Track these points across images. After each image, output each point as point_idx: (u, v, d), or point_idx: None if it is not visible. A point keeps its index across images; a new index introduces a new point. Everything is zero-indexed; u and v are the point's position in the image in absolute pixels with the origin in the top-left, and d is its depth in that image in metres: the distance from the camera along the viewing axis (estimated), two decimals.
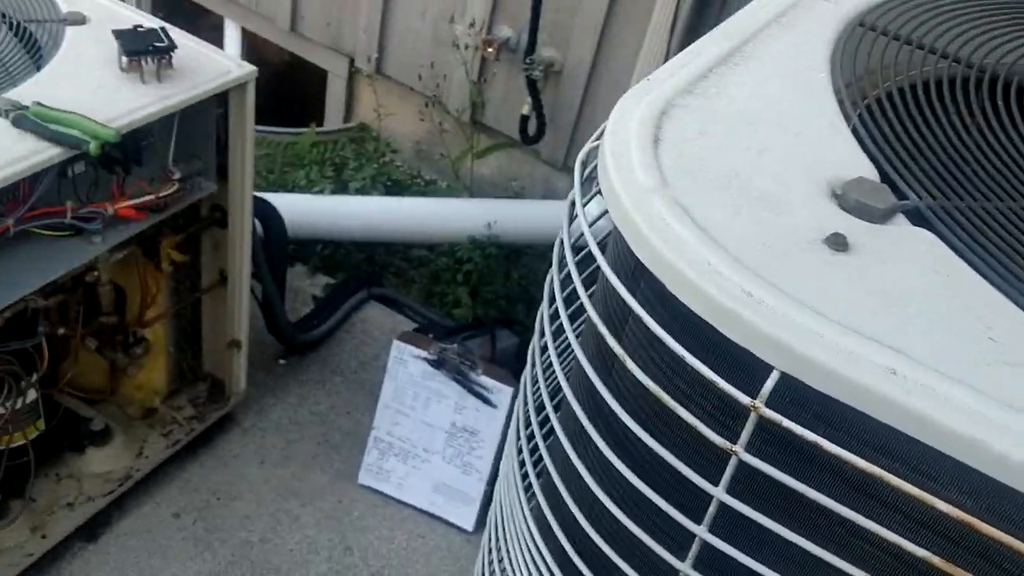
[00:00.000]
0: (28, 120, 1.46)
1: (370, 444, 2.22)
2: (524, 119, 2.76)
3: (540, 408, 1.09)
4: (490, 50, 2.76)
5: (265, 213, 2.30)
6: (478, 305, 2.68)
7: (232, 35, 3.61)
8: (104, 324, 1.90)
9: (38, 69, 1.64)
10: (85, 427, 2.03)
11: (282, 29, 3.42)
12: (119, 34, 1.63)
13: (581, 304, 0.97)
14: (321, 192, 2.92)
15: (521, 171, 3.04)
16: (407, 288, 2.91)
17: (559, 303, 1.00)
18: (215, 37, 3.58)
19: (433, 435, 2.18)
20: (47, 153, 1.45)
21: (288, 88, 3.57)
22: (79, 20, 1.76)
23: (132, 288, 1.92)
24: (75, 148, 1.46)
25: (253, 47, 3.60)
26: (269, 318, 2.36)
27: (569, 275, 0.97)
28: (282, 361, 2.50)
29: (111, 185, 1.67)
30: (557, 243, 1.01)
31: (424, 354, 2.16)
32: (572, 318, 1.00)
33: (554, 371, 1.02)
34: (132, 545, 2.02)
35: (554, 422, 1.05)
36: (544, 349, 1.07)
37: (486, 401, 2.12)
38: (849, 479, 0.77)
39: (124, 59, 1.61)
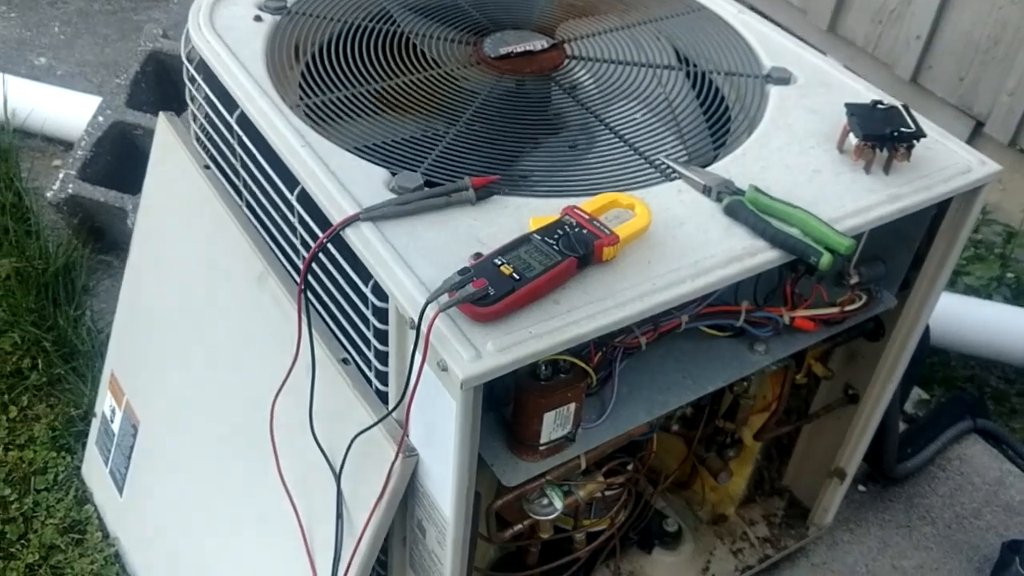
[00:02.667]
0: (744, 210, 1.18)
1: None
2: None
3: None
4: None
5: None
6: None
7: None
8: (721, 429, 1.61)
9: (724, 136, 1.38)
10: (658, 525, 1.78)
11: (901, 78, 2.97)
12: (854, 110, 1.30)
13: None
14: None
15: None
16: (1008, 418, 2.37)
17: None
18: None
19: None
20: (762, 256, 1.16)
21: None
22: (784, 79, 1.46)
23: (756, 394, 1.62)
24: (800, 257, 1.15)
25: None
26: (875, 440, 1.95)
27: None
28: (862, 488, 2.09)
29: (783, 286, 1.36)
30: None
31: None
32: None
33: None
34: None
35: None
36: None
37: None
38: None
39: (854, 141, 1.28)
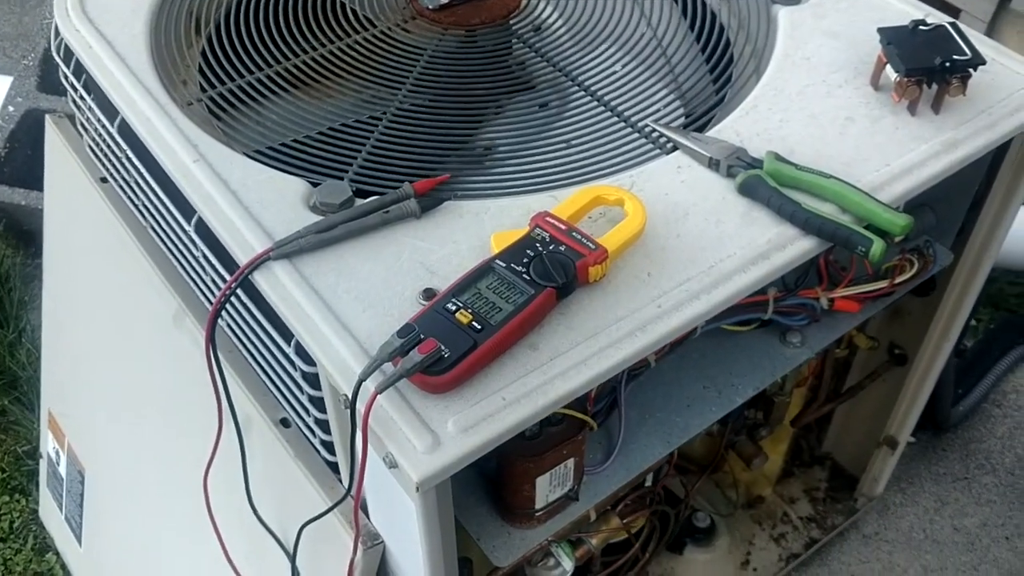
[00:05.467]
0: (764, 187, 0.91)
1: None
2: None
3: None
4: None
5: None
6: None
7: None
8: (749, 421, 1.37)
9: (728, 82, 1.10)
10: (687, 521, 1.56)
11: None
12: (890, 36, 1.02)
13: None
14: None
15: None
16: None
17: None
18: None
19: None
20: (794, 248, 0.90)
21: None
22: None
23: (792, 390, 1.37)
24: (843, 246, 0.90)
25: None
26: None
27: None
28: (911, 439, 1.85)
29: (815, 261, 1.10)
30: None
31: None
32: None
33: None
34: None
35: None
36: None
37: None
38: None
39: (893, 75, 1.01)
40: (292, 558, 0.98)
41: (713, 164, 0.96)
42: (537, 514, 0.94)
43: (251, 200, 0.94)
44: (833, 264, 1.12)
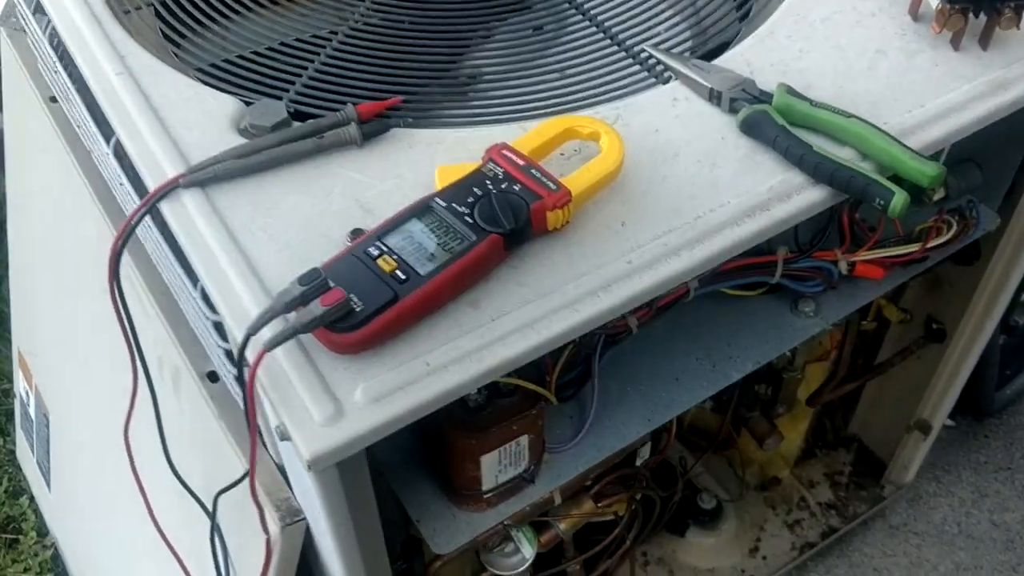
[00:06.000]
0: (771, 126, 0.77)
1: None
2: None
3: None
4: None
5: None
6: None
7: None
8: (758, 396, 1.23)
9: (745, 5, 0.95)
10: (692, 500, 1.42)
11: None
12: None
13: None
14: None
15: None
16: None
17: None
18: None
19: None
20: (800, 199, 0.76)
21: None
22: None
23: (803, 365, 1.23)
24: (859, 198, 0.75)
25: None
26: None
27: None
28: (950, 423, 1.69)
29: (836, 217, 0.95)
30: None
31: None
32: None
33: None
34: None
35: None
36: None
37: None
38: None
39: (935, 2, 0.85)
40: (212, 525, 0.87)
41: (714, 97, 0.81)
42: (486, 496, 0.81)
43: (174, 120, 0.81)
44: (859, 224, 0.97)
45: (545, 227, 0.70)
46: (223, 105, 0.82)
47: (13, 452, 1.70)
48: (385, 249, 0.66)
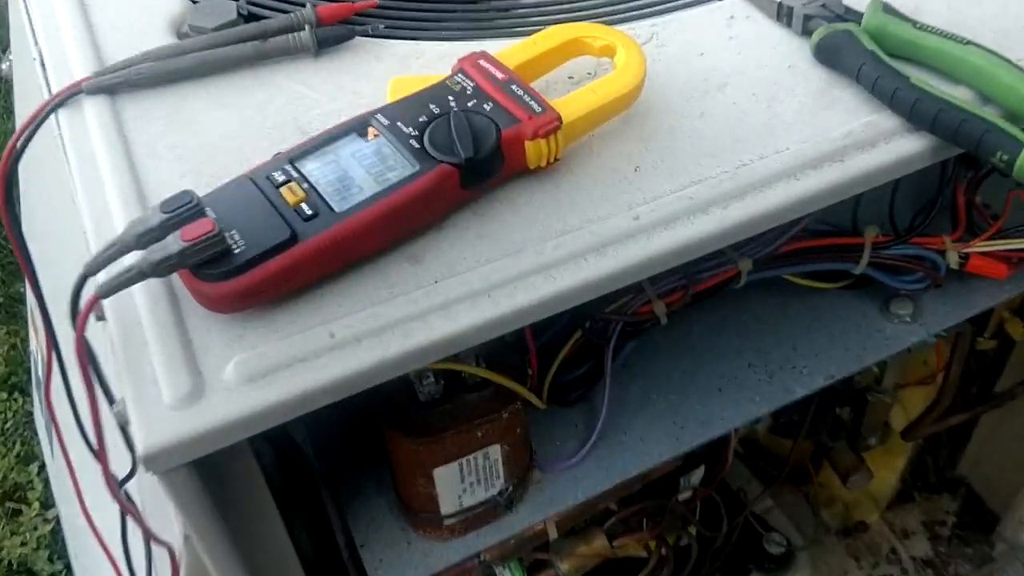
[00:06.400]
0: (858, 51, 0.56)
1: None
2: None
3: None
4: None
5: None
6: None
7: None
8: (841, 421, 1.01)
9: None
10: (757, 542, 1.21)
11: None
12: None
13: None
14: None
15: None
16: None
17: None
18: None
19: None
20: (893, 150, 0.55)
21: None
22: None
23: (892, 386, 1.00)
24: (973, 152, 0.53)
25: None
26: None
27: None
28: None
29: (948, 192, 0.73)
30: None
31: None
32: None
33: None
34: None
35: None
36: None
37: None
38: None
39: None
40: (122, 522, 0.71)
41: (784, 14, 0.61)
42: (446, 522, 0.63)
43: (101, 19, 0.66)
44: (980, 209, 0.75)
45: (524, 163, 0.51)
46: (166, 5, 0.66)
47: (31, 414, 1.60)
48: (295, 175, 0.49)
